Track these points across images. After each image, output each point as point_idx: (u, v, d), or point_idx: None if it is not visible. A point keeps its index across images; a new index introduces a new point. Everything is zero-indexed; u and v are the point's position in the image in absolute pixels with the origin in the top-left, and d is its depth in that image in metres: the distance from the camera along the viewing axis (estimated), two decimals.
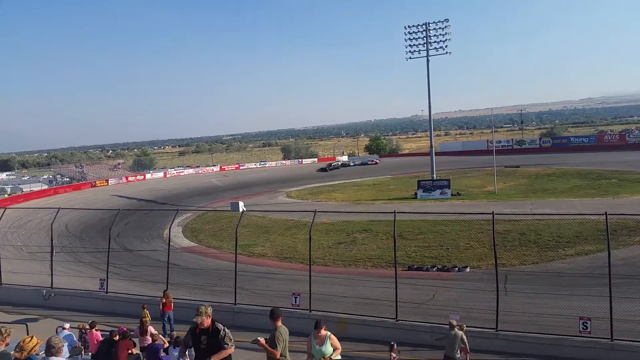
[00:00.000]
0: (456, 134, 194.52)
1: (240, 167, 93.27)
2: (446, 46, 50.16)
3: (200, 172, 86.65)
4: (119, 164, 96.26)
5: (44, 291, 19.61)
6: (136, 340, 11.85)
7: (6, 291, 20.62)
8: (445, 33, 50.12)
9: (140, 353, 11.09)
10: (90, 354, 11.33)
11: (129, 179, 74.59)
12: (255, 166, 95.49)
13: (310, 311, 15.11)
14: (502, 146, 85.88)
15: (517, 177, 52.67)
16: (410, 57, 51.54)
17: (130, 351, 10.36)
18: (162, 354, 10.83)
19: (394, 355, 10.59)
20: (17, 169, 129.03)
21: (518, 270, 20.74)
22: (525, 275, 19.86)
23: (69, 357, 5.89)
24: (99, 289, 18.85)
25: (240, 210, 36.57)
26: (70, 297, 19.13)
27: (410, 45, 51.17)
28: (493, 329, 12.80)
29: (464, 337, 10.70)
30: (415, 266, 22.17)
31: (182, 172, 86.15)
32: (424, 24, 50.59)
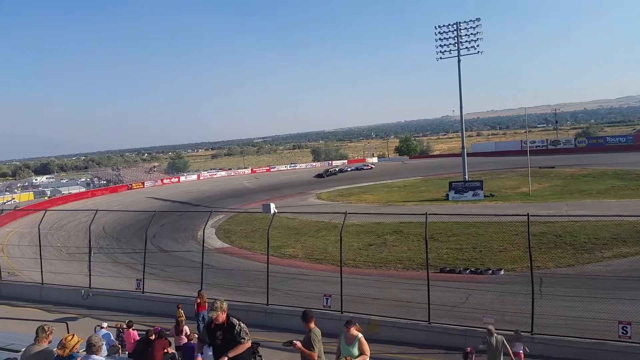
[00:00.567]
0: (489, 135, 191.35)
1: (271, 169, 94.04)
2: (477, 45, 49.42)
3: (232, 174, 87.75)
4: (154, 166, 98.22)
5: (83, 291, 20.24)
6: (171, 339, 12.14)
7: (47, 291, 21.39)
8: (477, 32, 49.39)
9: (176, 352, 11.35)
10: (127, 353, 11.64)
11: (164, 181, 76.20)
12: (285, 168, 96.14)
13: (341, 312, 15.17)
14: (536, 146, 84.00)
15: (552, 178, 51.50)
16: (440, 57, 50.99)
17: (166, 350, 10.61)
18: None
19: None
20: (56, 172, 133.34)
21: (553, 273, 20.29)
22: (561, 278, 19.41)
23: (106, 355, 6.10)
24: (136, 289, 19.36)
25: (272, 211, 36.89)
26: (107, 296, 19.70)
27: (440, 45, 50.63)
28: (528, 332, 12.59)
29: (505, 341, 10.56)
30: (448, 268, 21.94)
31: (215, 174, 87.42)
32: (454, 24, 49.97)
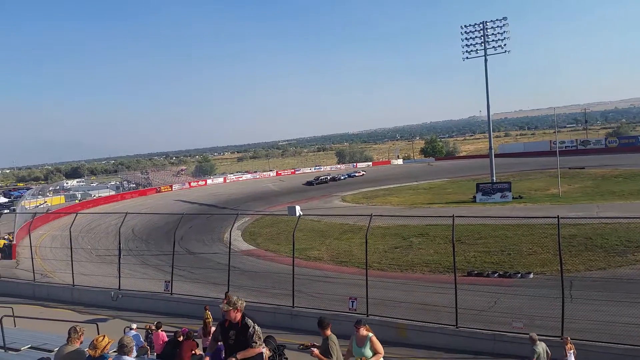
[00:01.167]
0: (517, 135, 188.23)
1: (296, 172, 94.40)
2: (505, 45, 48.67)
3: (257, 177, 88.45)
4: (182, 170, 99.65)
5: (112, 292, 20.66)
6: (199, 341, 12.28)
7: (78, 292, 21.90)
8: (504, 32, 48.65)
9: (203, 354, 11.48)
10: (155, 354, 11.81)
11: (192, 184, 77.30)
12: (310, 171, 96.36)
13: (367, 316, 15.10)
14: (565, 147, 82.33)
15: (582, 179, 50.37)
16: (467, 57, 50.40)
17: (193, 352, 10.75)
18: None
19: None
20: (87, 176, 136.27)
21: (584, 276, 19.84)
22: (591, 281, 18.97)
23: (136, 356, 6.22)
24: (164, 290, 19.67)
25: (297, 214, 37.02)
26: (136, 298, 20.05)
27: (467, 45, 50.02)
28: (558, 336, 12.33)
29: (548, 349, 10.39)
30: (475, 272, 21.65)
31: (241, 177, 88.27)
32: (481, 23, 49.35)
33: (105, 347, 5.78)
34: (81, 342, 6.31)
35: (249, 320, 5.82)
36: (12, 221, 35.53)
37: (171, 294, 19.30)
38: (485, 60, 49.13)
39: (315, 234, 33.61)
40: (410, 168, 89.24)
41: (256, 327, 5.78)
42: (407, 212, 37.04)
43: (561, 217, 13.62)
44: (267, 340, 10.29)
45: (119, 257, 22.48)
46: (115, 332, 10.58)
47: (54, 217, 43.50)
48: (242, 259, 28.02)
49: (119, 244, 23.63)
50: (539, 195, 43.34)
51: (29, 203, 52.59)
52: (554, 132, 66.04)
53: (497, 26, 48.81)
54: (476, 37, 49.54)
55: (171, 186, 73.38)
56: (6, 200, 70.56)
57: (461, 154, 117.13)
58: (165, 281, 20.00)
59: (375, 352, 7.07)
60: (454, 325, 13.90)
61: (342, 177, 76.86)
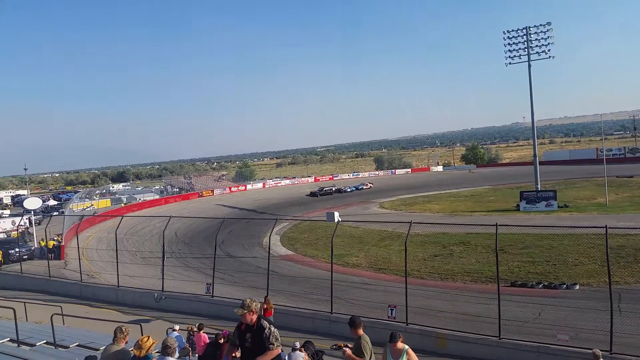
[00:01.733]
0: (562, 142, 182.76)
1: (334, 178, 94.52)
2: (549, 50, 47.47)
3: (296, 182, 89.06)
4: (223, 175, 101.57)
5: (156, 294, 21.20)
6: None
7: (123, 293, 22.60)
8: (548, 37, 47.46)
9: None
10: (197, 355, 12.01)
11: (232, 189, 78.63)
12: (348, 177, 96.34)
13: (407, 324, 14.96)
14: (613, 155, 79.55)
15: (630, 188, 48.44)
16: (510, 63, 49.40)
17: (234, 354, 10.87)
18: None
19: None
20: (132, 180, 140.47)
21: (634, 289, 18.98)
22: None
23: (177, 357, 6.35)
24: (206, 293, 20.04)
25: (336, 220, 37.01)
26: (179, 300, 20.51)
27: (509, 50, 49.06)
28: (607, 351, 11.85)
29: None
30: (519, 282, 21.06)
31: (280, 183, 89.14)
32: (524, 28, 48.35)
33: (149, 347, 5.92)
34: (126, 342, 6.48)
35: (265, 322, 5.68)
36: (61, 223, 36.99)
37: (212, 296, 19.64)
38: (529, 65, 48.05)
39: (354, 240, 33.53)
40: (449, 175, 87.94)
41: (272, 328, 5.63)
42: (447, 220, 36.46)
43: (609, 227, 13.12)
44: (306, 346, 10.33)
45: (163, 260, 23.06)
46: (158, 333, 10.86)
47: (100, 219, 45.01)
48: (280, 263, 28.23)
49: (163, 246, 24.22)
50: (585, 204, 41.91)
51: (76, 206, 54.47)
52: (601, 140, 64.02)
53: (541, 31, 47.70)
54: (519, 42, 48.56)
55: (212, 191, 74.81)
56: (55, 202, 73.71)
57: (504, 161, 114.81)
58: (207, 284, 20.38)
59: None
60: (496, 336, 13.59)
61: (349, 190, 71.23)
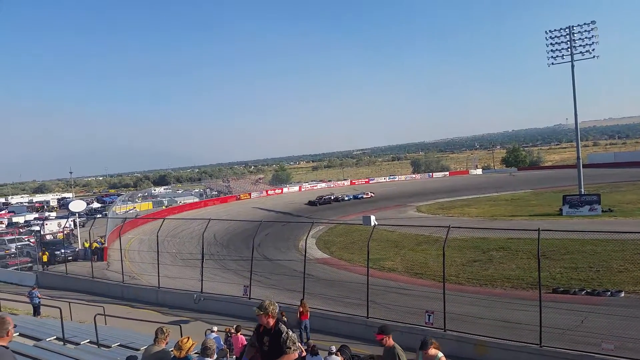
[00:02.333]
0: (606, 144, 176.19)
1: (370, 181, 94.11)
2: (593, 50, 45.90)
3: (332, 186, 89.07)
4: (260, 178, 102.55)
5: (195, 295, 21.61)
6: None
7: (163, 294, 23.14)
8: (592, 36, 45.92)
9: None
10: (234, 357, 12.16)
11: (269, 192, 79.35)
12: (384, 180, 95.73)
13: (445, 330, 14.74)
14: None
15: None
16: (552, 63, 48.05)
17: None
18: None
19: None
20: (173, 183, 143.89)
21: None
22: None
23: (216, 359, 6.43)
24: (243, 294, 20.30)
25: (372, 224, 36.80)
26: (217, 301, 20.84)
27: (552, 50, 47.72)
28: None
29: None
30: (561, 289, 20.40)
31: (316, 186, 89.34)
32: (567, 28, 46.95)
33: (189, 348, 6.01)
34: (167, 343, 6.60)
35: (282, 326, 5.60)
36: (104, 225, 38.20)
37: (249, 298, 19.87)
38: (572, 66, 46.61)
39: (390, 244, 33.25)
40: (489, 178, 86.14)
41: (289, 332, 5.53)
42: (487, 225, 35.68)
43: None
44: (342, 350, 10.30)
45: (202, 262, 23.48)
46: (196, 334, 11.05)
47: (142, 222, 46.19)
48: (316, 267, 28.28)
49: (202, 249, 24.65)
50: (631, 208, 40.26)
51: (119, 208, 56.07)
52: None
53: (585, 30, 46.21)
54: (562, 42, 47.18)
55: (250, 194, 75.70)
56: (99, 205, 76.12)
57: (546, 164, 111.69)
58: (244, 286, 20.64)
59: None
60: (537, 344, 13.24)
61: (347, 198, 67.46)
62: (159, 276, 23.85)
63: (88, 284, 26.54)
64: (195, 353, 6.52)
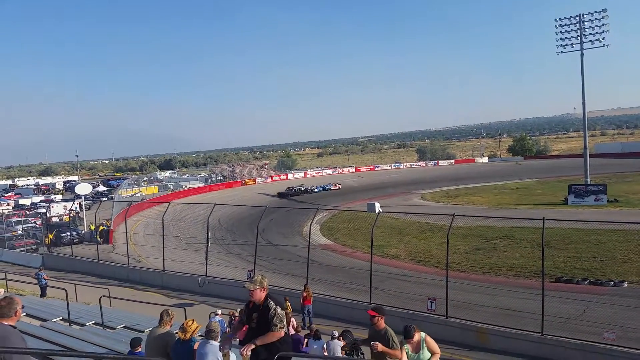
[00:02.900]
0: (614, 134, 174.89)
1: (375, 169, 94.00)
2: (603, 38, 45.36)
3: (336, 172, 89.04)
4: (265, 164, 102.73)
5: (199, 279, 21.75)
6: None
7: (168, 277, 23.31)
8: (602, 24, 45.34)
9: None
10: (237, 340, 12.28)
11: (274, 178, 79.38)
12: (389, 167, 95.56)
13: (447, 317, 14.81)
14: None
15: None
16: (561, 52, 47.56)
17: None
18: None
19: None
20: (178, 167, 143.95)
21: None
22: None
23: (220, 341, 6.51)
24: (247, 279, 20.38)
25: (377, 211, 36.83)
26: (221, 285, 20.97)
27: (561, 38, 47.22)
28: None
29: None
30: (564, 278, 20.43)
31: (321, 172, 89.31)
32: (577, 16, 46.38)
33: (194, 331, 6.09)
34: (171, 325, 6.69)
35: (272, 301, 5.39)
36: (110, 208, 38.38)
37: None
38: (582, 54, 46.17)
39: (394, 231, 33.32)
40: (495, 167, 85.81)
41: (278, 309, 5.33)
42: (491, 213, 35.63)
43: None
44: (345, 335, 10.40)
45: (207, 246, 23.59)
46: (200, 317, 11.15)
47: (147, 205, 46.36)
48: (320, 252, 28.38)
49: (207, 233, 24.76)
50: (637, 199, 40.09)
51: (125, 192, 56.16)
52: None
53: (596, 19, 45.65)
54: (572, 30, 46.65)
55: (255, 179, 75.78)
56: (105, 188, 76.48)
57: (553, 153, 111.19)
58: (248, 270, 20.75)
59: (433, 352, 6.41)
60: (539, 333, 13.27)
61: (316, 190, 64.83)
62: (164, 259, 24.01)
63: (93, 266, 26.75)
64: (200, 335, 6.60)
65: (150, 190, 66.30)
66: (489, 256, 25.45)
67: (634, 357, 11.09)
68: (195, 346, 5.92)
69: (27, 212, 48.94)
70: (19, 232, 35.85)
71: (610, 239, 24.95)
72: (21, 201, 63.68)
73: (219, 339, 5.41)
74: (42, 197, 69.91)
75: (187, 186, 69.54)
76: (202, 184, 72.55)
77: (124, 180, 78.80)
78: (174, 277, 23.11)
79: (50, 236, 32.54)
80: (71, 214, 37.21)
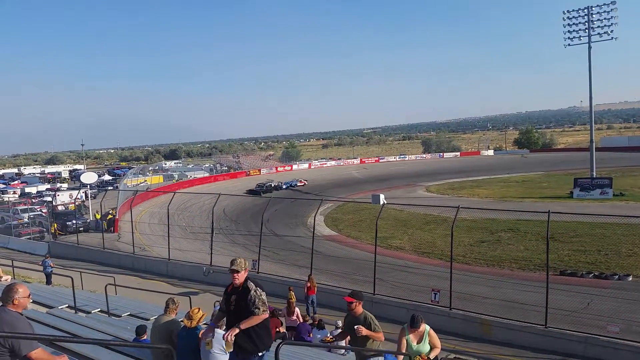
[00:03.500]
0: (620, 128, 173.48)
1: (380, 160, 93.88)
2: (611, 31, 44.86)
3: (341, 164, 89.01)
4: (270, 155, 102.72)
5: (204, 268, 21.88)
6: (283, 319, 12.70)
7: (173, 266, 23.47)
8: (611, 17, 44.83)
9: (287, 332, 11.85)
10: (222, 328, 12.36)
11: (278, 169, 79.44)
12: (394, 159, 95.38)
13: (450, 309, 14.85)
14: None
15: None
16: (569, 44, 47.12)
17: (277, 329, 11.14)
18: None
19: None
20: (184, 157, 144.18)
21: None
22: None
23: (225, 329, 6.60)
24: (251, 269, 20.49)
25: (381, 202, 36.80)
26: (226, 274, 20.87)
27: (569, 31, 46.75)
28: None
29: None
30: (569, 271, 20.42)
31: (325, 163, 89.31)
32: (585, 8, 45.86)
33: (200, 319, 6.11)
34: (176, 313, 6.73)
35: (251, 283, 5.12)
36: (116, 197, 38.55)
37: (257, 272, 20.09)
38: (589, 47, 45.73)
39: (398, 223, 33.32)
40: (501, 160, 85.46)
41: (258, 291, 5.05)
42: (496, 206, 35.55)
43: None
44: None
45: (212, 236, 23.72)
46: (205, 306, 11.21)
47: (152, 195, 46.46)
48: (324, 243, 28.40)
49: (212, 223, 24.87)
50: None
51: (130, 181, 56.41)
52: None
53: (604, 11, 45.12)
54: (580, 23, 46.17)
55: (259, 170, 75.86)
56: (110, 178, 76.75)
57: (559, 147, 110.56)
58: (253, 260, 20.85)
59: (433, 346, 6.36)
60: (542, 325, 13.31)
61: (284, 187, 60.11)
62: (169, 248, 24.15)
63: (99, 255, 26.94)
64: (205, 324, 6.64)
65: (156, 179, 66.46)
66: (494, 249, 25.43)
67: (637, 350, 11.09)
68: (200, 334, 5.95)
69: (33, 201, 49.28)
70: (25, 220, 36.12)
71: (615, 232, 24.83)
72: (27, 189, 64.02)
73: (224, 327, 5.42)
74: (48, 186, 70.24)
75: (192, 176, 69.69)
76: (207, 174, 72.65)
77: (130, 169, 79.01)
78: (179, 266, 23.25)
79: (54, 225, 32.75)
80: (77, 203, 37.41)
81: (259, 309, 4.97)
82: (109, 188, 52.93)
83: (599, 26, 45.43)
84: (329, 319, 13.26)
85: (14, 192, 61.93)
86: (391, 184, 58.57)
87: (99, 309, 12.40)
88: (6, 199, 52.67)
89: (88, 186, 40.14)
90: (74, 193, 42.56)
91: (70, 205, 40.91)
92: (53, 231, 32.44)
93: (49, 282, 20.16)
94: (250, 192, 55.07)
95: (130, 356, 6.24)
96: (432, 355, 6.30)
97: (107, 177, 76.78)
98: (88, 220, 34.96)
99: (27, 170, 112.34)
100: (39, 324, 8.65)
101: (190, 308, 6.96)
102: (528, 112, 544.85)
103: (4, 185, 73.38)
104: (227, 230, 33.49)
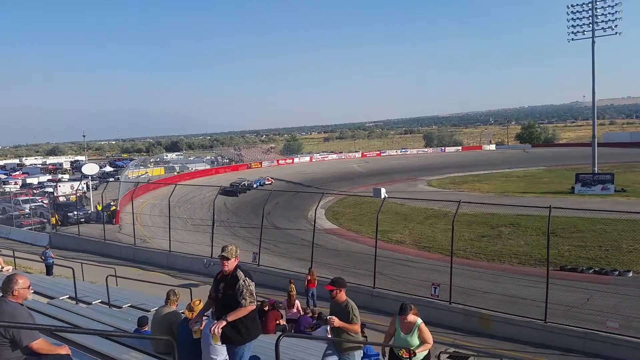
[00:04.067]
0: (623, 124, 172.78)
1: (381, 154, 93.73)
2: (615, 26, 44.59)
3: (343, 157, 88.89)
4: (271, 148, 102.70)
5: (205, 260, 21.92)
6: (283, 312, 12.73)
7: (174, 258, 23.51)
8: (615, 12, 44.54)
9: (287, 324, 11.88)
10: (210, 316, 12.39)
11: (279, 162, 79.38)
12: (396, 153, 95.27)
13: (450, 303, 14.87)
14: None
15: None
16: (572, 39, 46.88)
17: (278, 322, 11.17)
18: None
19: None
20: (185, 149, 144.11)
21: None
22: None
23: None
24: (252, 261, 20.55)
25: (382, 196, 36.78)
26: None
27: (573, 25, 46.50)
28: None
29: None
30: (569, 267, 20.44)
31: (327, 157, 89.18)
32: (589, 2, 45.57)
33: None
34: (177, 305, 6.75)
35: (241, 272, 5.02)
36: (117, 189, 38.57)
37: (258, 265, 20.15)
38: (593, 42, 45.47)
39: (399, 217, 33.34)
40: (502, 154, 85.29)
41: (247, 281, 4.94)
42: (497, 200, 35.57)
43: None
44: None
45: (213, 228, 23.74)
46: (205, 297, 11.21)
47: (154, 187, 46.46)
48: (325, 237, 28.44)
49: (213, 215, 24.89)
50: None
51: (131, 173, 56.35)
52: None
53: (608, 6, 44.80)
54: (584, 17, 45.90)
55: (261, 163, 75.82)
56: (112, 169, 76.75)
57: (561, 142, 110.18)
58: (253, 252, 20.90)
59: (423, 341, 6.11)
60: (542, 320, 13.33)
61: (255, 185, 53.09)
62: (170, 240, 24.19)
63: (100, 246, 26.99)
64: (205, 316, 6.66)
65: (157, 171, 66.49)
66: (494, 243, 25.46)
67: (636, 346, 11.11)
68: (202, 326, 5.96)
69: (35, 191, 49.33)
70: (27, 210, 36.17)
71: (616, 228, 24.86)
72: (28, 180, 64.12)
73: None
74: (50, 177, 70.33)
75: (194, 168, 69.67)
76: (208, 167, 72.67)
77: (131, 161, 79.03)
78: (179, 258, 23.29)
79: (55, 216, 32.80)
80: (78, 194, 37.44)
81: (245, 299, 4.88)
82: (110, 179, 52.84)
83: (603, 21, 45.16)
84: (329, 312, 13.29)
85: (16, 183, 62.06)
86: (392, 177, 58.55)
87: (100, 300, 12.42)
88: (7, 189, 52.78)
89: (89, 177, 40.15)
90: (75, 184, 42.55)
91: (72, 196, 40.92)
92: (54, 222, 32.49)
93: (49, 273, 20.21)
94: (227, 192, 46.67)
95: (131, 347, 6.25)
96: (420, 350, 6.08)
97: (108, 169, 76.75)
98: (89, 212, 34.99)
99: (28, 161, 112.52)
100: (40, 314, 8.68)
101: (191, 300, 6.98)
102: (530, 106, 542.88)
103: (6, 176, 73.51)
104: (228, 223, 33.54)
